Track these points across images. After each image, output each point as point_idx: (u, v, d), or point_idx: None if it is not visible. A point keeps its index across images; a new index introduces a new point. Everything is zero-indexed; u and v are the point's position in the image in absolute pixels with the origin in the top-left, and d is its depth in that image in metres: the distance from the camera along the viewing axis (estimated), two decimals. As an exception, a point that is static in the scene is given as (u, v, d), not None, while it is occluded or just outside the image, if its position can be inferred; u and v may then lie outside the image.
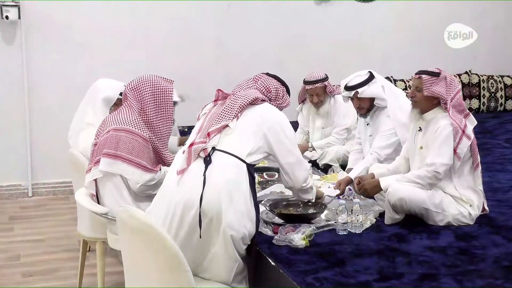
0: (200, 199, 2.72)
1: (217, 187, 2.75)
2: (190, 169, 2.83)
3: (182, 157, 2.91)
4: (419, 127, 3.54)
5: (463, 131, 3.38)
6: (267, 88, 3.16)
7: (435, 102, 3.45)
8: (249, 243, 2.85)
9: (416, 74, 3.51)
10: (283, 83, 3.26)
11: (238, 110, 2.95)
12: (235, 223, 2.75)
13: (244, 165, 2.85)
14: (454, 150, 3.35)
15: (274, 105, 3.14)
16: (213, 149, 2.86)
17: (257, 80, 3.19)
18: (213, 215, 2.72)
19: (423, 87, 3.43)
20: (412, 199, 3.34)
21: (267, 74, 3.27)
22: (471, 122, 3.48)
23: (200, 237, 2.74)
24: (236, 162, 2.84)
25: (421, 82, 3.44)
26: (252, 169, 2.89)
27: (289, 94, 3.28)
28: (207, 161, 2.81)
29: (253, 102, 3.01)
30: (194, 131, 3.05)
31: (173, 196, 2.81)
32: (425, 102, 3.46)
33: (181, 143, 4.55)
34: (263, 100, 3.06)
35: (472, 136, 3.44)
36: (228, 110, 2.96)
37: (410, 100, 3.55)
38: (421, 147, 3.50)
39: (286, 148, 3.01)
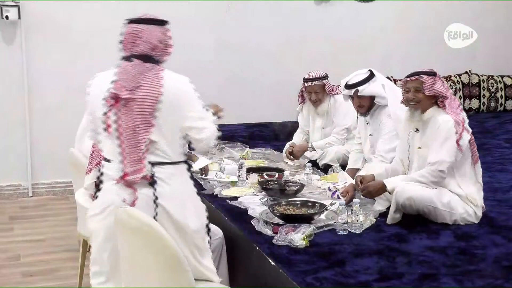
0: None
1: (172, 210, 2.66)
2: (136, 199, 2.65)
3: (113, 193, 2.67)
4: (416, 128, 3.55)
5: (463, 124, 3.42)
6: (152, 46, 2.73)
7: (433, 101, 3.49)
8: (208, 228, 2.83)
9: (412, 76, 3.52)
10: (153, 20, 2.81)
11: (151, 114, 2.63)
12: (195, 228, 2.71)
13: (184, 164, 2.77)
14: (457, 142, 3.37)
15: (168, 56, 2.80)
16: (152, 164, 2.67)
17: (136, 45, 2.74)
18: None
19: (423, 87, 3.46)
20: (421, 198, 3.35)
21: (133, 21, 2.80)
22: (465, 117, 3.53)
23: None
24: (177, 168, 2.73)
25: (422, 83, 3.46)
26: (188, 162, 2.82)
27: (167, 25, 2.85)
28: (154, 183, 2.65)
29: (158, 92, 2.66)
30: (112, 150, 2.70)
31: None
32: (426, 101, 3.48)
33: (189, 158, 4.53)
34: (157, 71, 2.70)
35: (470, 130, 3.47)
36: (142, 121, 2.63)
37: (411, 102, 3.52)
38: (419, 148, 3.51)
39: (197, 117, 2.75)
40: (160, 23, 2.80)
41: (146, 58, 2.70)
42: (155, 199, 2.64)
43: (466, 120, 3.50)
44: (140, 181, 2.63)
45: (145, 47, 2.72)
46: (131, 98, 2.64)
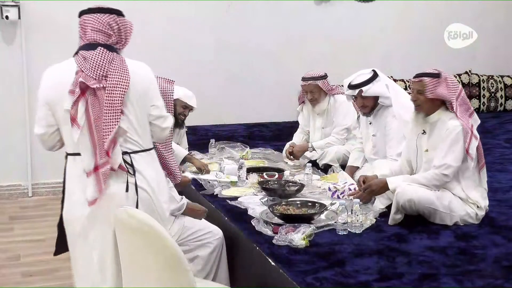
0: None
1: (151, 196, 2.70)
2: (109, 193, 2.62)
3: (80, 187, 2.64)
4: (423, 130, 3.53)
5: (472, 131, 3.38)
6: (101, 31, 2.65)
7: (438, 103, 3.44)
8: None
9: (415, 77, 3.48)
10: (100, 9, 2.69)
11: (120, 103, 2.59)
12: (168, 213, 2.80)
13: (153, 150, 2.79)
14: (466, 151, 3.35)
15: (124, 45, 2.74)
16: (126, 153, 2.65)
17: (85, 34, 2.66)
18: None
19: (425, 90, 3.41)
20: (421, 200, 3.34)
21: (83, 13, 2.69)
22: (475, 121, 3.49)
23: None
24: (150, 154, 2.74)
25: (423, 85, 3.42)
26: (156, 148, 2.86)
27: (122, 16, 2.75)
28: (133, 172, 2.64)
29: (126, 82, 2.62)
30: (81, 142, 2.63)
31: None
32: (429, 104, 3.44)
33: (189, 161, 4.51)
34: (121, 60, 2.65)
35: (478, 136, 3.45)
36: (111, 110, 2.58)
37: (413, 104, 3.50)
38: (427, 150, 3.49)
39: (162, 106, 2.78)
40: (108, 11, 2.69)
41: (107, 47, 2.65)
42: (136, 187, 2.65)
43: (475, 125, 3.45)
44: (110, 172, 2.60)
45: (93, 33, 2.66)
46: (100, 88, 2.58)
